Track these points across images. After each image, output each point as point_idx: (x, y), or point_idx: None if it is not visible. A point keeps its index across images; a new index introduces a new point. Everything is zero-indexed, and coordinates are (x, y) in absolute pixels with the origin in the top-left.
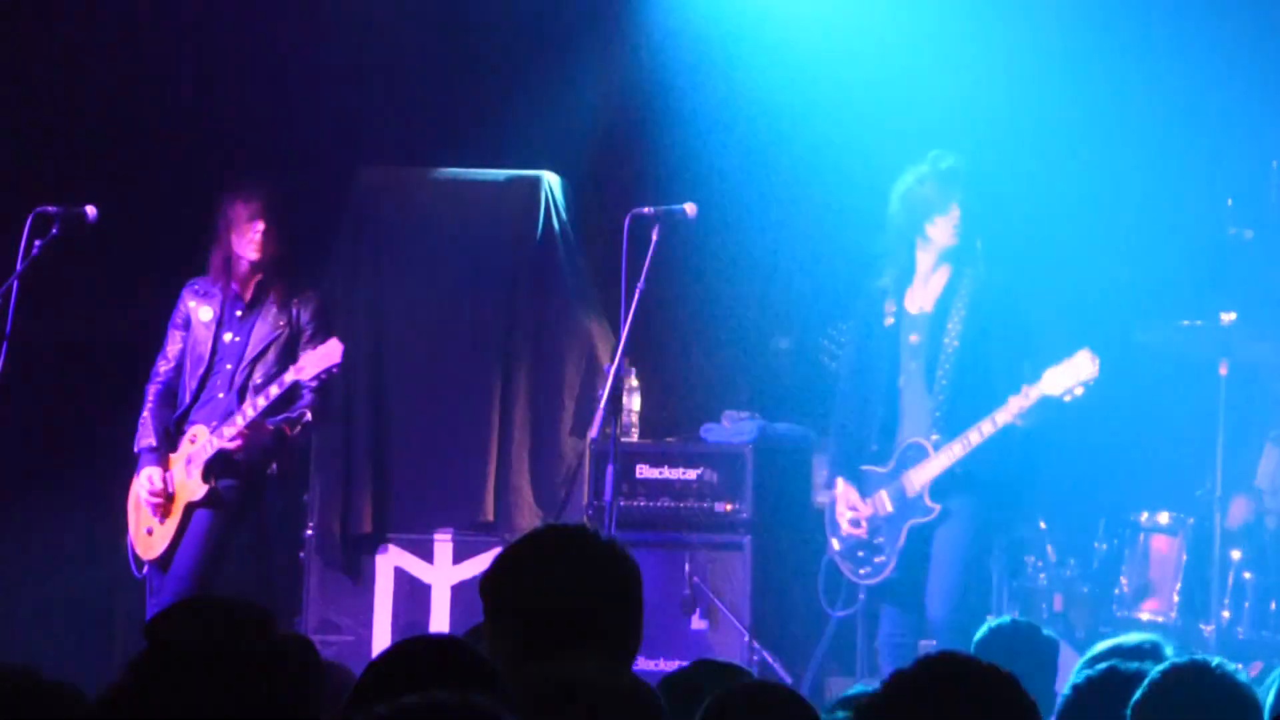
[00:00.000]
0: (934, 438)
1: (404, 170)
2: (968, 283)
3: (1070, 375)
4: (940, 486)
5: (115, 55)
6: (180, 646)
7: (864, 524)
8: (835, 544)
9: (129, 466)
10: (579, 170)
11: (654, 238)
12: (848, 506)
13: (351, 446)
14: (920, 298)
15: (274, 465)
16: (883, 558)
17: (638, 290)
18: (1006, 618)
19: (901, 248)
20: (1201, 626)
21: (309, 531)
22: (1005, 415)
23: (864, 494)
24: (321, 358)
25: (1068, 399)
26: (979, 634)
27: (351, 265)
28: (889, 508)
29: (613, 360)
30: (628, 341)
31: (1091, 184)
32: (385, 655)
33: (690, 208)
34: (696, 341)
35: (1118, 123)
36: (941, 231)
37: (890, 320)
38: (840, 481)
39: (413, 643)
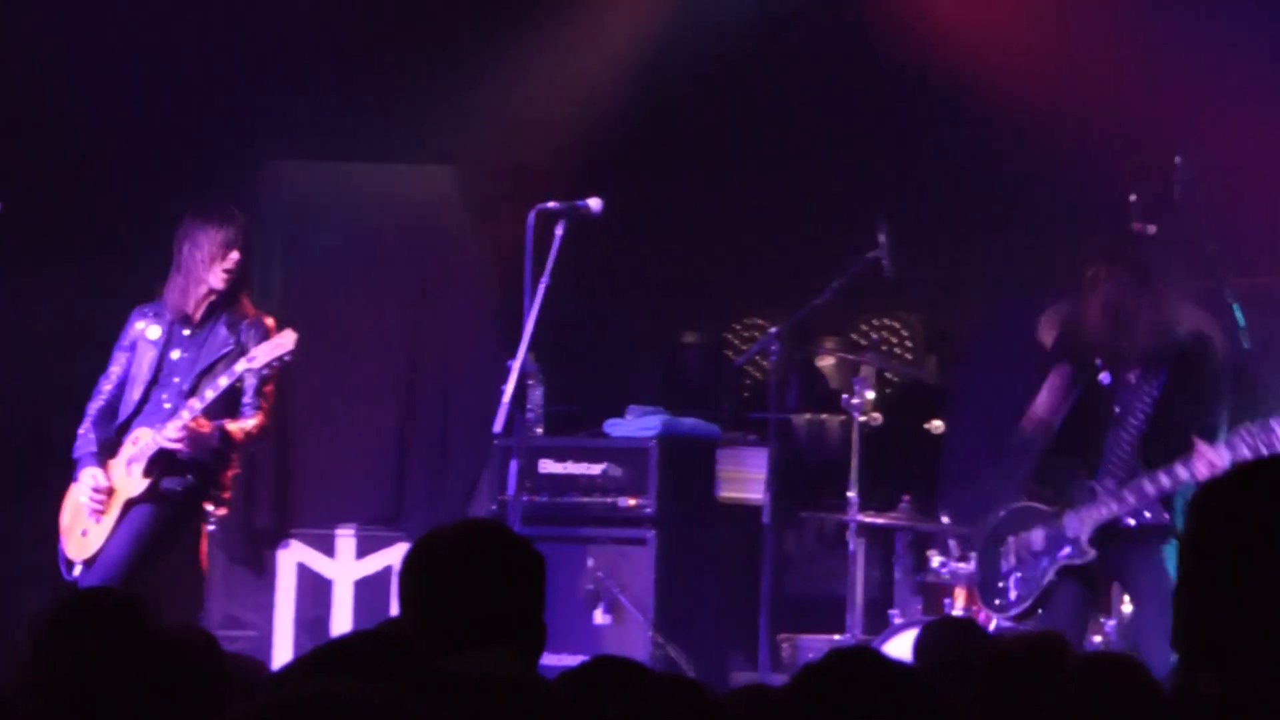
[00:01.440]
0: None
1: (310, 164)
2: None
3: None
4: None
5: (17, 48)
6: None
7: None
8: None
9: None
10: (484, 164)
11: (559, 233)
12: None
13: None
14: None
15: (217, 470)
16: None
17: (542, 285)
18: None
19: None
20: (1102, 620)
21: (212, 526)
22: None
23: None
24: (274, 346)
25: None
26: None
27: (257, 258)
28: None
29: (517, 355)
30: (532, 337)
31: (993, 179)
32: (307, 653)
33: (595, 203)
34: (601, 337)
35: (1018, 117)
36: None
37: None
38: None
39: (337, 639)
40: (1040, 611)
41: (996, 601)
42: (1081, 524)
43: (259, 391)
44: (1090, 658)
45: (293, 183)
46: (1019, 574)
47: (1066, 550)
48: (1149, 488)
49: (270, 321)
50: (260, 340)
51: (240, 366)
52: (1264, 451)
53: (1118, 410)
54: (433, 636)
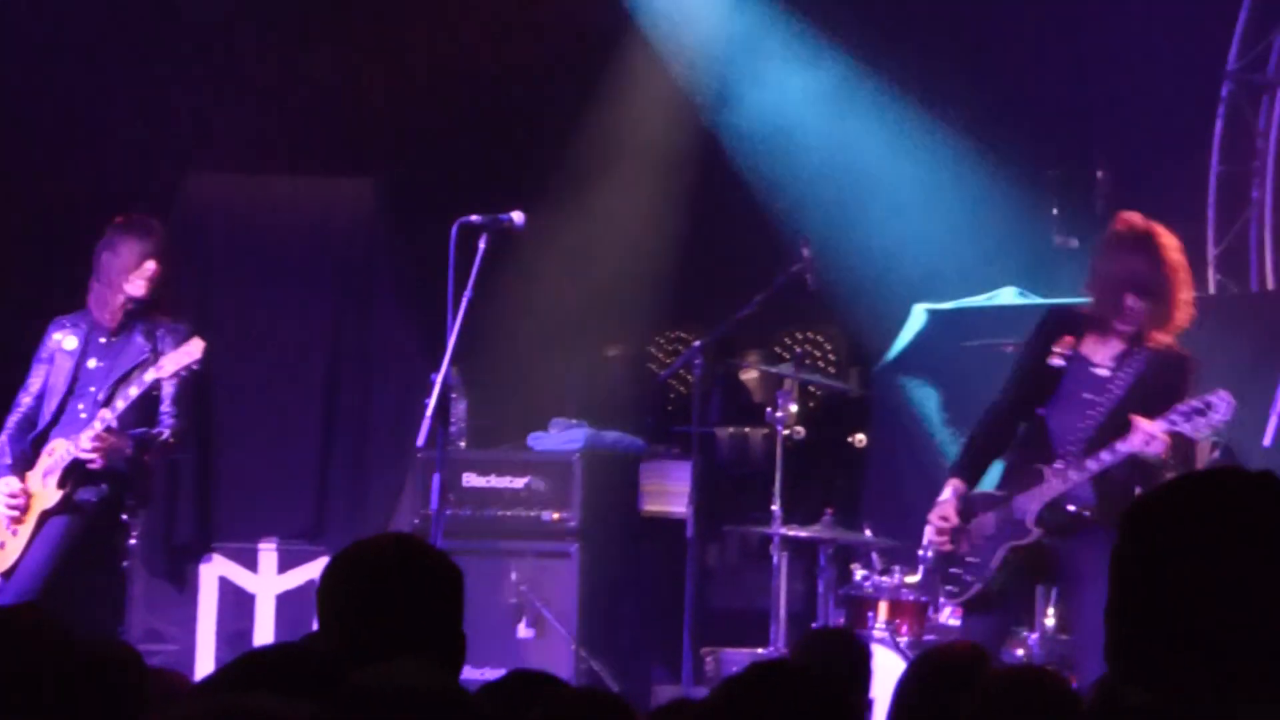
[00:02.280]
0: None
1: (230, 176)
2: None
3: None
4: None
5: None
6: None
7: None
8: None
9: None
10: (406, 177)
11: (482, 246)
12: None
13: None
14: None
15: (134, 480)
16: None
17: (465, 299)
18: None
19: None
20: (1024, 634)
21: (133, 540)
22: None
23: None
24: (182, 355)
25: (1199, 437)
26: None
27: (177, 271)
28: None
29: (440, 369)
30: (455, 350)
31: (917, 192)
32: (230, 664)
33: (518, 216)
34: (524, 350)
35: (939, 130)
36: None
37: None
38: None
39: (260, 651)
40: (991, 597)
41: (950, 588)
42: (1029, 503)
43: (176, 399)
44: (1009, 669)
45: (213, 195)
46: (971, 559)
47: (1013, 531)
48: (1091, 464)
49: (187, 327)
50: (176, 346)
51: (149, 376)
52: (1200, 422)
53: (1082, 397)
54: (351, 649)
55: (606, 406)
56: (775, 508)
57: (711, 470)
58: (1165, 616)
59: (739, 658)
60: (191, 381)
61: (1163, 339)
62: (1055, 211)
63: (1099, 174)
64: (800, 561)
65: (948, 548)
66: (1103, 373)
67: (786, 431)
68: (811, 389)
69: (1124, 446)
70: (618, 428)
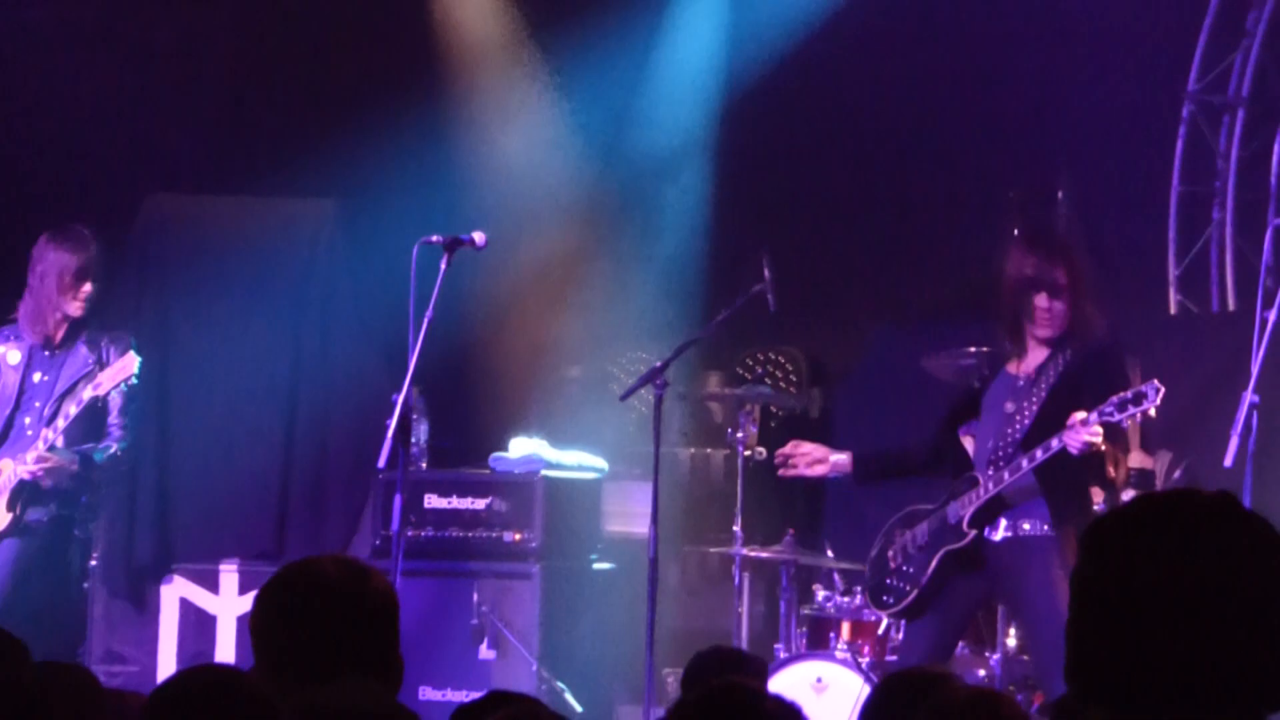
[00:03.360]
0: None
1: (190, 197)
2: None
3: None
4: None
5: None
6: None
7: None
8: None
9: None
10: (367, 198)
11: (443, 266)
12: None
13: (136, 475)
14: None
15: (84, 496)
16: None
17: (426, 319)
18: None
19: None
20: (987, 654)
21: (93, 561)
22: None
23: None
24: (117, 371)
25: (1128, 424)
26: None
27: (137, 292)
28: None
29: (401, 389)
30: (416, 370)
31: (876, 212)
32: (164, 685)
33: (479, 236)
34: (485, 371)
35: (904, 152)
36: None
37: None
38: None
39: (194, 672)
40: (927, 607)
41: (884, 599)
42: (963, 509)
43: (123, 410)
44: (965, 690)
45: (174, 216)
46: (906, 568)
47: (947, 536)
48: (1024, 463)
49: (130, 338)
50: (121, 355)
51: (87, 394)
52: (1131, 411)
53: (1005, 408)
54: (287, 671)
55: (567, 427)
56: (736, 528)
57: (673, 491)
58: (1125, 637)
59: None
60: (135, 395)
61: (1089, 335)
62: (1016, 232)
63: (1059, 194)
64: (762, 582)
65: (916, 541)
66: (1022, 382)
67: (748, 452)
68: (773, 409)
69: (1057, 442)
70: (579, 448)
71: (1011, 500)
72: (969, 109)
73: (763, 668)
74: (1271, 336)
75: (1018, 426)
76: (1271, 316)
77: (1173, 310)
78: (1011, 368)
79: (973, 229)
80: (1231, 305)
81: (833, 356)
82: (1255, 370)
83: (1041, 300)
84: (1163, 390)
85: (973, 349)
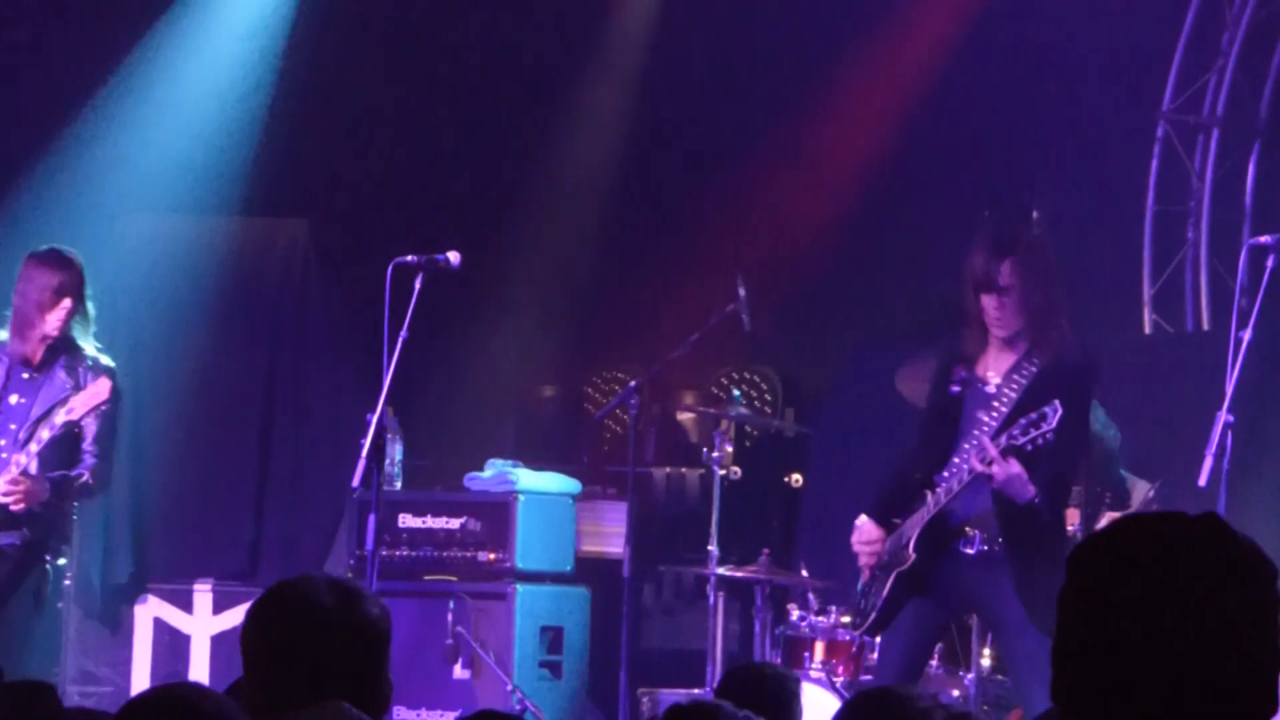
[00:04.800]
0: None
1: (164, 217)
2: None
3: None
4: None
5: None
6: None
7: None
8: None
9: None
10: (342, 218)
11: (417, 286)
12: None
13: (110, 495)
14: None
15: (55, 520)
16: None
17: (401, 339)
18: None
19: None
20: (961, 674)
21: (67, 581)
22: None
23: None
24: (90, 396)
25: (1030, 449)
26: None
27: (111, 312)
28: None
29: (375, 409)
30: (390, 390)
31: (850, 232)
32: (132, 702)
33: (454, 256)
34: (460, 390)
35: (877, 170)
36: None
37: None
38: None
39: (162, 689)
40: (892, 627)
41: (854, 618)
42: (911, 529)
43: (97, 438)
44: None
45: (149, 235)
46: (871, 586)
47: (898, 557)
48: (954, 484)
49: (109, 363)
50: (92, 376)
51: (60, 419)
52: (1034, 434)
53: (977, 417)
54: (275, 693)
55: (542, 447)
56: (711, 548)
57: (648, 510)
58: (1111, 657)
59: (675, 698)
60: (110, 419)
61: (1057, 343)
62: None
63: (1035, 213)
64: (736, 602)
65: (881, 559)
66: (991, 389)
67: (723, 471)
68: (747, 429)
69: (967, 466)
70: (554, 468)
71: (979, 520)
72: (945, 128)
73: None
74: (1246, 356)
75: (967, 450)
76: (1246, 336)
77: (1147, 329)
78: (980, 371)
79: (948, 248)
80: (1206, 325)
81: (808, 376)
82: (1230, 390)
83: (990, 300)
84: (1060, 411)
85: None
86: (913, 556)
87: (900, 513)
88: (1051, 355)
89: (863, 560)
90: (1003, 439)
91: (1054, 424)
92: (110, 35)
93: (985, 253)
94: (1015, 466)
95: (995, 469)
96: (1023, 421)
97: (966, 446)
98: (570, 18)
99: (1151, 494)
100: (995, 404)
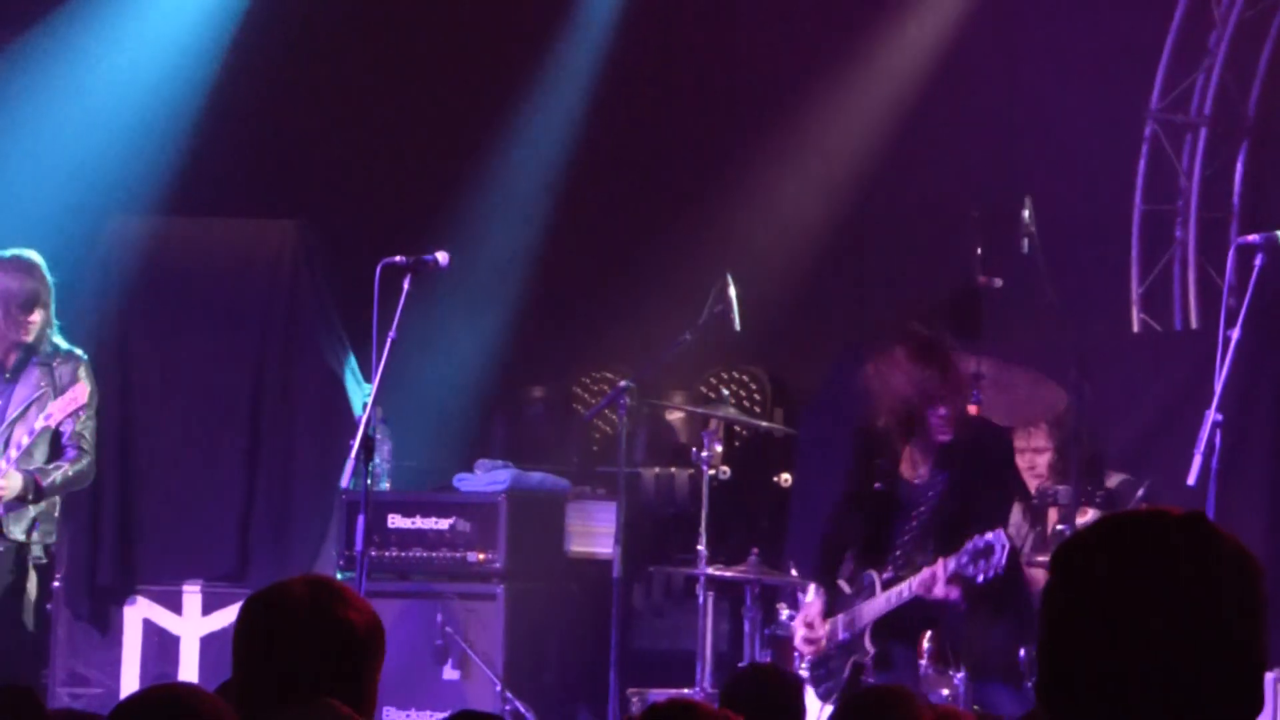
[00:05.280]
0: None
1: (153, 219)
2: None
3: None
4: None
5: None
6: None
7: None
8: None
9: None
10: (331, 218)
11: (406, 286)
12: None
13: (99, 496)
14: None
15: (40, 520)
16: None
17: (390, 339)
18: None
19: None
20: (951, 673)
21: (56, 583)
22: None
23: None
24: (68, 402)
25: (980, 580)
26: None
27: (99, 313)
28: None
29: (364, 409)
30: (379, 391)
31: (839, 231)
32: (124, 702)
33: (443, 256)
34: (449, 391)
35: (867, 171)
36: None
37: None
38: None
39: (154, 690)
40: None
41: (816, 686)
42: (866, 617)
43: (76, 434)
44: (929, 710)
45: (137, 237)
46: (829, 659)
47: (855, 645)
48: (892, 598)
49: (83, 356)
50: (72, 377)
51: (39, 424)
52: (983, 564)
53: (905, 512)
54: (265, 694)
55: (531, 447)
56: (701, 548)
57: (637, 510)
58: (1096, 655)
59: (665, 699)
60: (92, 418)
61: (973, 426)
62: (979, 251)
63: (1023, 213)
64: (726, 601)
65: (815, 657)
66: (919, 482)
67: (712, 471)
68: (737, 429)
69: (909, 589)
70: (543, 468)
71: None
72: (933, 128)
73: (797, 689)
74: (1234, 355)
75: (907, 539)
76: (1234, 335)
77: (1136, 328)
78: (904, 468)
79: (936, 248)
80: (1194, 323)
81: (797, 376)
82: (1218, 388)
83: (940, 410)
84: (1008, 546)
85: None
86: (871, 650)
87: (840, 575)
88: (968, 443)
89: (799, 642)
90: (951, 564)
91: (1003, 560)
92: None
93: (933, 367)
94: (955, 593)
95: (936, 591)
96: (969, 548)
97: (900, 542)
98: (558, 18)
99: (1140, 492)
100: (920, 502)
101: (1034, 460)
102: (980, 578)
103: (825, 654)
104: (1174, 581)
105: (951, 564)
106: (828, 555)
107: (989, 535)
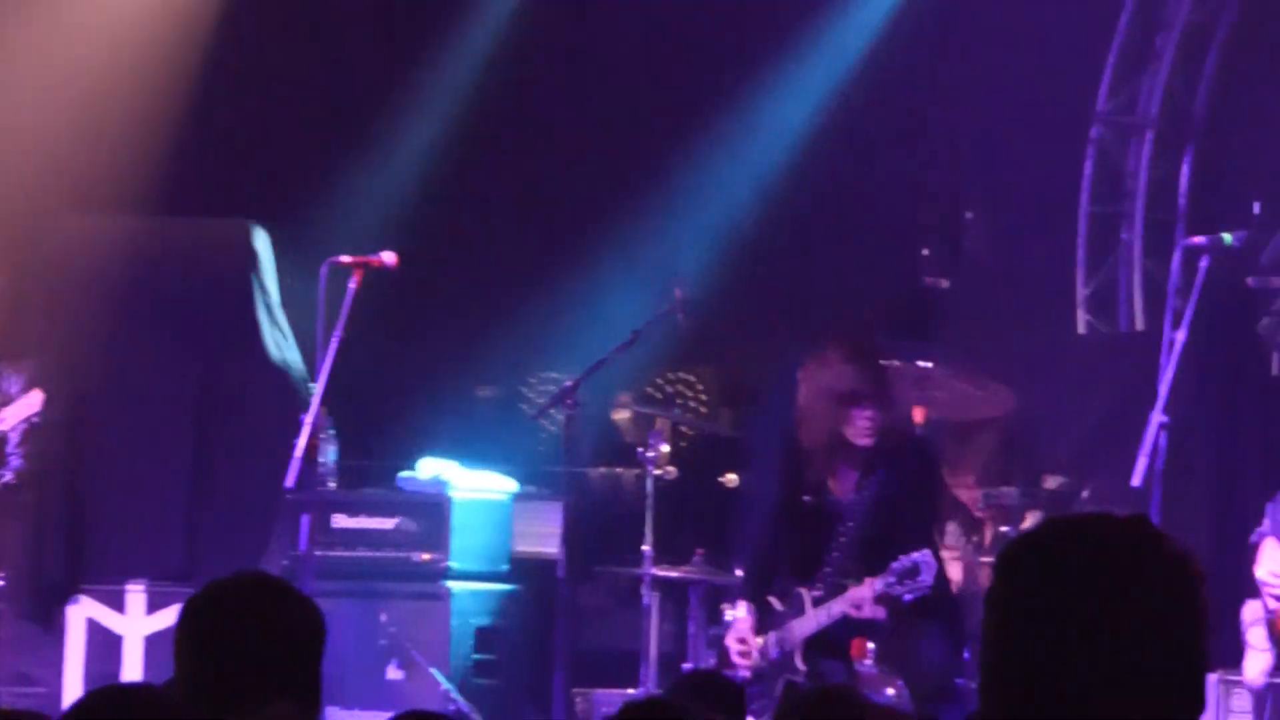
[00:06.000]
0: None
1: (101, 217)
2: None
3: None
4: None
5: None
6: None
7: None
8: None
9: None
10: (277, 218)
11: (352, 286)
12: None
13: (43, 494)
14: None
15: None
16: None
17: (335, 339)
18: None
19: None
20: (894, 675)
21: (0, 583)
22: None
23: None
24: (21, 408)
25: (908, 599)
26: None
27: (46, 312)
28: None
29: (309, 409)
30: (325, 390)
31: (786, 232)
32: (75, 706)
33: (389, 256)
34: (395, 390)
35: (812, 172)
36: None
37: None
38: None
39: (105, 692)
40: None
41: (749, 703)
42: (797, 636)
43: (21, 442)
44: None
45: (84, 236)
46: (761, 676)
47: (786, 664)
48: (821, 616)
49: (34, 368)
50: (21, 386)
51: None
52: (910, 584)
53: (832, 528)
54: (207, 694)
55: (478, 447)
56: (646, 548)
57: (583, 510)
58: (1039, 658)
59: (610, 699)
60: (36, 423)
61: (898, 439)
62: (925, 252)
63: (968, 215)
64: (671, 602)
65: (748, 673)
66: (846, 498)
67: (658, 472)
68: (683, 429)
69: (837, 608)
70: (489, 468)
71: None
72: (879, 131)
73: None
74: (1179, 356)
75: (837, 555)
76: (1180, 336)
77: (1081, 330)
78: (830, 481)
79: (883, 250)
80: (1140, 325)
81: (744, 377)
82: (1163, 390)
83: (865, 411)
84: (935, 566)
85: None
86: (803, 669)
87: (772, 591)
88: (893, 455)
89: (734, 656)
90: (879, 584)
91: (928, 580)
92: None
93: (859, 364)
94: (882, 613)
95: (865, 612)
96: (896, 568)
97: (829, 559)
98: (505, 15)
99: (1085, 494)
100: (847, 517)
101: (964, 494)
102: (907, 597)
103: (759, 671)
104: (1117, 584)
105: (879, 584)
106: (759, 570)
107: (915, 555)
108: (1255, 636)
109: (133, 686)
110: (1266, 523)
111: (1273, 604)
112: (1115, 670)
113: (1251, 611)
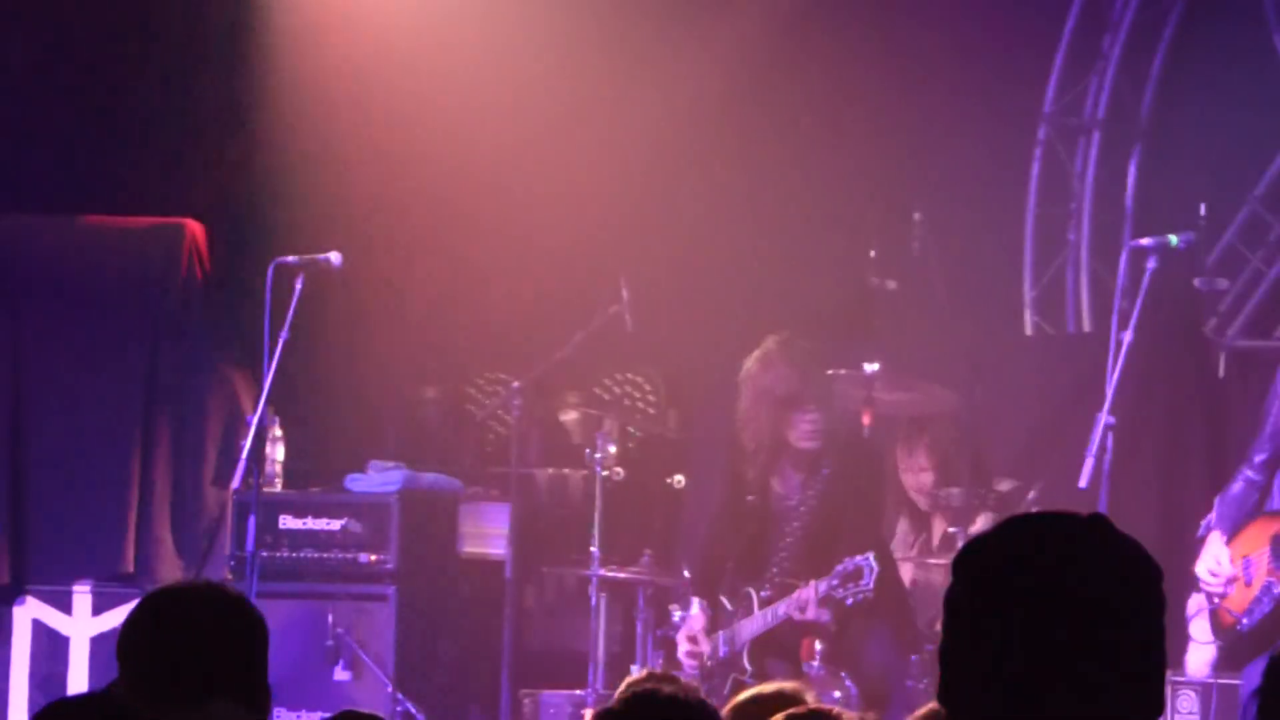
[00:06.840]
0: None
1: (43, 218)
2: None
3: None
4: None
5: None
6: None
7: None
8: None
9: None
10: (222, 218)
11: (298, 286)
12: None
13: None
14: None
15: None
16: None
17: (281, 339)
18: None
19: None
20: (842, 675)
21: None
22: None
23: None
24: None
25: (850, 603)
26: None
27: None
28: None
29: (255, 410)
30: (271, 391)
31: (733, 233)
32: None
33: (335, 256)
34: (341, 391)
35: (760, 173)
36: None
37: None
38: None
39: (62, 705)
40: None
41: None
42: (743, 635)
43: None
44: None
45: (24, 237)
46: (710, 679)
47: (733, 663)
48: (768, 617)
49: None
50: None
51: None
52: (853, 588)
53: (779, 528)
54: (152, 696)
55: (424, 447)
56: (594, 549)
57: (530, 511)
58: (995, 659)
59: (557, 700)
60: None
61: (845, 442)
62: (872, 253)
63: (916, 216)
64: (619, 603)
65: (695, 672)
66: (791, 502)
67: (605, 472)
68: (630, 430)
69: (782, 610)
70: (436, 469)
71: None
72: (825, 130)
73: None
74: (1126, 357)
75: (784, 555)
76: (1126, 337)
77: (1028, 331)
78: (775, 482)
79: (830, 251)
80: (1087, 326)
81: (691, 378)
82: (1110, 391)
83: (808, 413)
84: (876, 570)
85: (829, 370)
86: (749, 669)
87: (722, 591)
88: (836, 456)
89: (682, 655)
90: (822, 587)
91: (870, 583)
92: None
93: (798, 367)
94: (826, 615)
95: (809, 614)
96: (839, 571)
97: (777, 559)
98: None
99: (1033, 495)
100: (793, 518)
101: (918, 479)
102: (850, 600)
103: (708, 671)
104: (1076, 584)
105: (823, 586)
106: (709, 569)
107: (858, 558)
108: (1198, 629)
109: (86, 698)
110: (1213, 516)
111: (1216, 599)
112: (1074, 670)
113: (1194, 604)
